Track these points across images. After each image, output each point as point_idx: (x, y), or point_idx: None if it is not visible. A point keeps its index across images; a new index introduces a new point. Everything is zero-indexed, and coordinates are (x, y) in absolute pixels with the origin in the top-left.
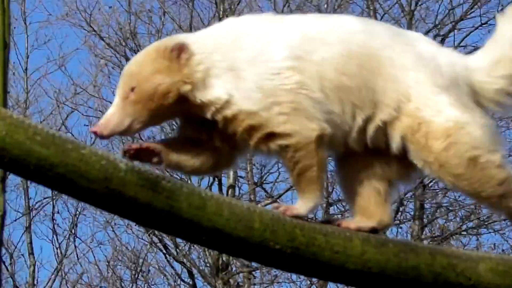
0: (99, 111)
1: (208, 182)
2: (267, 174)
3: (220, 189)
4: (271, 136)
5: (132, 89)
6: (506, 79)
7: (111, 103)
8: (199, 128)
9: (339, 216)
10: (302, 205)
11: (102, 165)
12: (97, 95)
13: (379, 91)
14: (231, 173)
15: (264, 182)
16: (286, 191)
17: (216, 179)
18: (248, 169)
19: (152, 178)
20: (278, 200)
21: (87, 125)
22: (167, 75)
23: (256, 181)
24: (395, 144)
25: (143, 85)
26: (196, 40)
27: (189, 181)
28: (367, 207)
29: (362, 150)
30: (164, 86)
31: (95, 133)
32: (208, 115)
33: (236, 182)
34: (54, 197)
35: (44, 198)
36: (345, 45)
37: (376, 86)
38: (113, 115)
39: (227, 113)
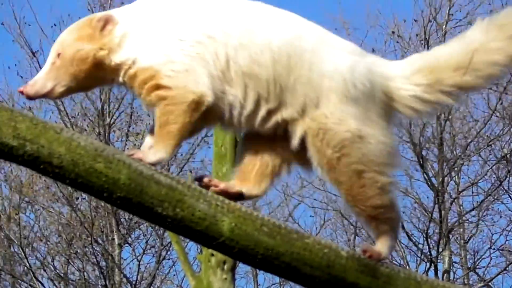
0: (324, 202)
1: (425, 268)
2: (480, 259)
3: (436, 274)
4: (156, 87)
5: (58, 55)
6: (423, 87)
7: None
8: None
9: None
10: (152, 153)
11: (325, 253)
12: (322, 188)
13: (288, 90)
14: (446, 258)
15: (477, 267)
16: (497, 274)
17: (432, 264)
18: (462, 254)
19: (371, 265)
20: (489, 283)
21: (312, 216)
22: (88, 42)
23: (469, 266)
24: (294, 140)
25: (65, 50)
26: (125, 11)
27: (406, 266)
28: (247, 173)
29: (267, 132)
30: (83, 52)
31: (21, 92)
32: (121, 79)
33: (451, 267)
34: (281, 283)
35: (272, 284)
36: (270, 39)
37: (287, 84)
38: (40, 78)
39: (130, 72)
